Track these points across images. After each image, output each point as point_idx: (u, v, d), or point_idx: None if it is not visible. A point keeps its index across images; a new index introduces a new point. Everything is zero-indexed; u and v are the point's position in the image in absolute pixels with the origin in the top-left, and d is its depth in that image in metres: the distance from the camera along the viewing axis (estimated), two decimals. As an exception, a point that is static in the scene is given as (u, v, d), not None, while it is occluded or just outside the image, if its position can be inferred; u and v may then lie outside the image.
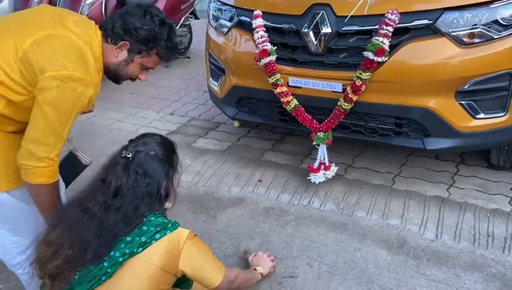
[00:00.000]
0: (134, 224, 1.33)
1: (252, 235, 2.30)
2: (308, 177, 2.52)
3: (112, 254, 1.29)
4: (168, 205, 1.49)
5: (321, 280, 2.00)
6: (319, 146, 2.46)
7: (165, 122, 3.72)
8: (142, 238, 1.30)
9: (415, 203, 2.39)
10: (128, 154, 1.40)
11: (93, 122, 3.83)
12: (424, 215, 2.30)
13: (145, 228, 1.33)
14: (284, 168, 2.84)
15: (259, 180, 2.74)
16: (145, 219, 1.35)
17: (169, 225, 1.36)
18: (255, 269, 1.89)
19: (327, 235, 2.24)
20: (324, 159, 2.48)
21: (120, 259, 1.28)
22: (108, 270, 1.27)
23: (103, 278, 1.27)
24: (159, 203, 1.43)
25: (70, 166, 2.07)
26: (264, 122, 2.75)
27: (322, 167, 2.49)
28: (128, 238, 1.31)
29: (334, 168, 2.51)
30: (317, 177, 2.49)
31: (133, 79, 1.68)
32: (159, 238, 1.31)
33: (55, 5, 4.58)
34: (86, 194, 1.41)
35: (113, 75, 1.63)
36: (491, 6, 2.00)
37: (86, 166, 2.09)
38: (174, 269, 1.36)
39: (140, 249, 1.29)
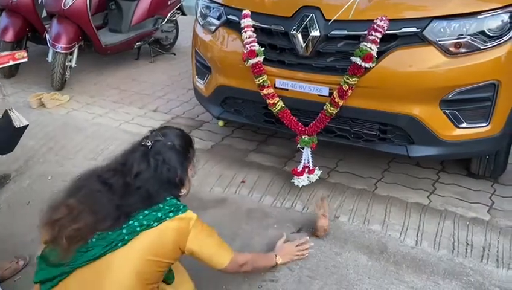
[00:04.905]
0: (153, 203, 1.46)
1: (233, 237, 2.27)
2: (292, 180, 2.51)
3: (130, 222, 1.40)
4: (183, 191, 1.62)
5: (301, 284, 1.99)
6: (303, 149, 2.45)
7: (148, 118, 3.66)
8: (159, 214, 1.44)
9: (396, 209, 2.41)
10: (148, 142, 1.53)
11: (74, 116, 3.75)
12: (404, 222, 2.32)
13: (161, 205, 1.47)
14: (268, 170, 2.82)
15: (242, 181, 2.72)
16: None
17: (181, 207, 1.51)
18: (275, 255, 2.00)
19: (308, 239, 2.23)
20: (308, 162, 2.47)
21: (138, 229, 1.39)
22: (126, 237, 1.38)
23: (119, 245, 1.37)
24: (175, 189, 1.56)
25: (6, 127, 2.00)
26: (249, 123, 2.73)
27: (306, 170, 2.48)
28: (146, 212, 1.43)
29: (317, 172, 2.51)
30: (301, 181, 2.48)
31: None
32: (172, 217, 1.46)
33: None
34: (105, 171, 1.51)
35: None
36: (478, 17, 2.02)
37: (18, 129, 2.02)
38: (183, 245, 1.50)
39: (156, 223, 1.42)
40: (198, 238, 1.52)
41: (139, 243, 1.39)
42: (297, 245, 2.10)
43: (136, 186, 1.46)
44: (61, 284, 1.36)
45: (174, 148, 1.55)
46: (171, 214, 1.46)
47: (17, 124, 2.03)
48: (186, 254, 1.54)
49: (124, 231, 1.39)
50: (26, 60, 2.12)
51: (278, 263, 2.00)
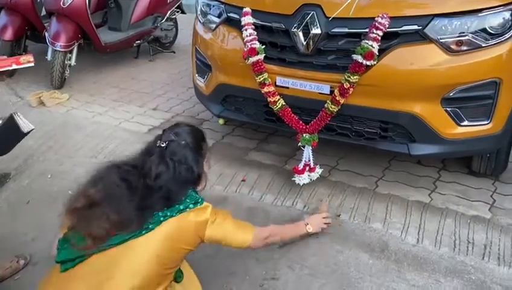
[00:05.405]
0: (175, 201, 1.54)
1: (234, 235, 2.26)
2: (293, 179, 2.51)
3: (155, 213, 1.50)
4: (200, 187, 1.69)
5: (302, 282, 1.99)
6: (304, 147, 2.45)
7: (148, 117, 3.65)
8: (180, 206, 1.54)
9: (397, 207, 2.40)
10: (162, 144, 1.58)
11: (73, 114, 3.74)
12: (405, 220, 2.31)
13: (183, 198, 1.56)
14: (268, 168, 2.82)
15: (242, 180, 2.71)
16: None
17: (200, 199, 1.61)
18: (306, 223, 2.12)
19: (309, 238, 2.22)
20: (309, 160, 2.47)
21: (161, 219, 1.49)
22: (150, 226, 1.47)
23: (143, 232, 1.46)
24: (194, 185, 1.64)
25: (9, 131, 1.99)
26: (249, 122, 2.72)
27: (307, 168, 2.47)
28: None
29: (318, 170, 2.51)
30: (302, 179, 2.47)
31: None
32: (192, 208, 1.56)
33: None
34: (123, 166, 1.56)
35: None
36: (479, 14, 2.02)
37: (25, 133, 2.00)
38: (202, 234, 1.59)
39: (178, 214, 1.52)
40: (215, 224, 1.61)
41: (162, 230, 1.48)
42: (324, 217, 2.23)
43: (157, 186, 1.53)
44: (82, 264, 1.43)
45: (188, 147, 1.60)
46: (191, 206, 1.56)
47: (25, 130, 2.01)
48: (206, 242, 1.62)
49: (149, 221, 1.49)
50: (32, 64, 2.09)
51: (309, 231, 2.11)
